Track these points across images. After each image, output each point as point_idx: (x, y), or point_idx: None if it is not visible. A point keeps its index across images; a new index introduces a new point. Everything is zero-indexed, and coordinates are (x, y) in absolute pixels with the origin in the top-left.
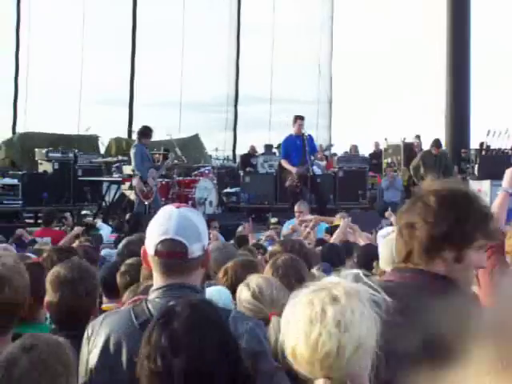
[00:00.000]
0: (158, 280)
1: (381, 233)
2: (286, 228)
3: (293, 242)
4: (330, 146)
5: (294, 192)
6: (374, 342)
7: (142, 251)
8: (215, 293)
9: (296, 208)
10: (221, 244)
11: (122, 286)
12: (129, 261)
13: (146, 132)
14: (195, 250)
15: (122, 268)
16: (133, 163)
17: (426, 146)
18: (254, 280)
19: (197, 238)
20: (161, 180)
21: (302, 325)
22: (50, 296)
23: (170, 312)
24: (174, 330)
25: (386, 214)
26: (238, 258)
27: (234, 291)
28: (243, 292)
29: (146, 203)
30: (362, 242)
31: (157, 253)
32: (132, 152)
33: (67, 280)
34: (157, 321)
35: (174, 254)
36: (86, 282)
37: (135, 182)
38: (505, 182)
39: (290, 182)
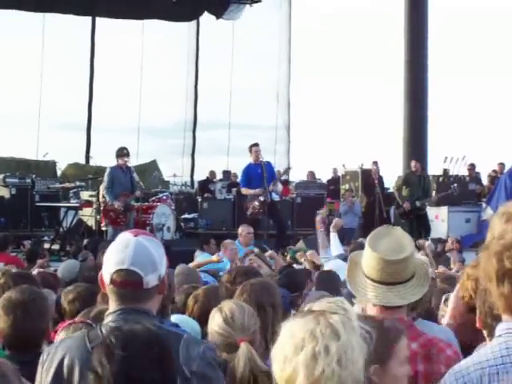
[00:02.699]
0: (112, 305)
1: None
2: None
3: (238, 270)
4: (288, 169)
5: (256, 219)
6: (364, 373)
7: (99, 277)
8: (182, 320)
9: (246, 230)
10: (186, 269)
11: (70, 314)
12: (77, 288)
13: (117, 153)
14: (150, 281)
15: (70, 296)
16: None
17: (384, 172)
18: (227, 305)
19: (153, 268)
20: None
21: (303, 358)
22: (2, 321)
23: (110, 334)
24: (112, 344)
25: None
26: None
27: (203, 317)
28: (215, 317)
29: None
30: None
31: (112, 282)
32: (105, 174)
33: (19, 302)
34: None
35: (128, 284)
36: (38, 303)
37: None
38: (447, 318)
39: (252, 210)
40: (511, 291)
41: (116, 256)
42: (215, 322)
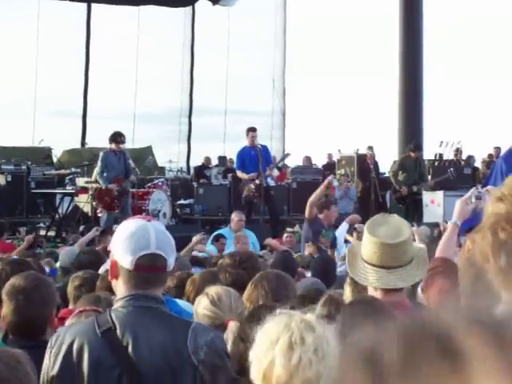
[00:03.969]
0: (123, 291)
1: None
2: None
3: (241, 255)
4: (286, 155)
5: (250, 202)
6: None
7: (111, 263)
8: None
9: (237, 217)
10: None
11: (74, 298)
12: (84, 274)
13: (112, 138)
14: (172, 263)
15: (77, 281)
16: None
17: (379, 157)
18: (212, 289)
19: (172, 251)
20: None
21: (280, 348)
22: (6, 306)
23: None
24: None
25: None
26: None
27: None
28: (202, 300)
29: (99, 215)
30: None
31: (137, 267)
32: (99, 158)
33: (22, 288)
34: None
35: (155, 268)
36: (41, 290)
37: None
38: (454, 214)
39: (247, 193)
40: (509, 264)
41: (137, 241)
42: (202, 305)
